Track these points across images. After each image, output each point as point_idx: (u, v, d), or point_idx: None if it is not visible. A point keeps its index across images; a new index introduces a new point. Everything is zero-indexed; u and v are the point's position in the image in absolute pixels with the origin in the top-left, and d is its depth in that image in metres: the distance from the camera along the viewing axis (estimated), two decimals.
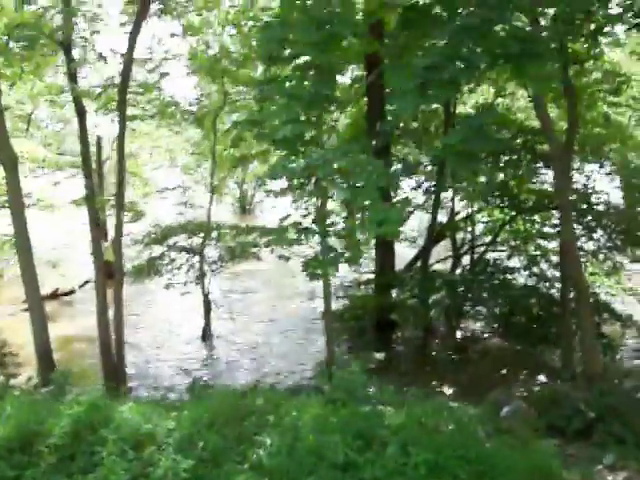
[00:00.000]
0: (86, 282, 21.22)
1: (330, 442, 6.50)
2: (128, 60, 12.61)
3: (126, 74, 12.61)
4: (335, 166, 8.16)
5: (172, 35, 16.78)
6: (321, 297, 19.30)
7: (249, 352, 15.71)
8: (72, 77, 13.33)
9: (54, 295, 19.78)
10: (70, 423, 6.83)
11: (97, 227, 13.54)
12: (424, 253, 16.76)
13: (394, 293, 16.42)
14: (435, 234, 16.84)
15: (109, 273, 22.21)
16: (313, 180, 9.41)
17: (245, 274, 21.26)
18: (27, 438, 6.69)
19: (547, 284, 15.83)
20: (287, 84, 9.36)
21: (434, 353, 15.79)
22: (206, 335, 16.45)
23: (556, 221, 15.57)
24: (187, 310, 17.96)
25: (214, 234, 15.85)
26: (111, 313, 13.15)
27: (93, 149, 25.08)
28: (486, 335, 16.27)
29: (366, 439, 6.62)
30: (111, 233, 20.67)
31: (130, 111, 16.35)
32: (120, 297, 13.27)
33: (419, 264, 17.15)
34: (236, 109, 17.86)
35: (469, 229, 17.38)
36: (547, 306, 15.37)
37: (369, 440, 6.62)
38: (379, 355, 14.44)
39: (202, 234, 15.90)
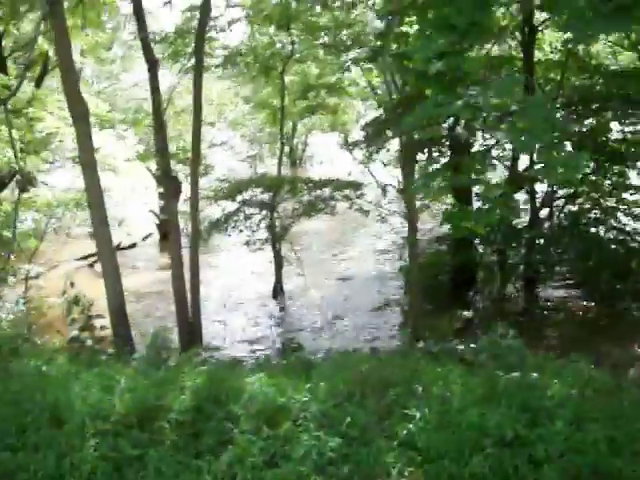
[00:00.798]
0: (148, 235, 20.47)
1: (494, 415, 5.54)
2: (206, 3, 11.52)
3: (204, 19, 11.54)
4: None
5: None
6: (391, 253, 18.59)
7: (322, 310, 14.76)
8: (141, 23, 12.28)
9: (117, 248, 19.00)
10: (192, 397, 5.94)
11: (170, 180, 12.58)
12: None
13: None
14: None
15: (165, 232, 21.85)
16: None
17: (311, 232, 20.28)
18: (146, 413, 5.79)
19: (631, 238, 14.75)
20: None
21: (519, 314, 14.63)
22: (277, 293, 15.53)
23: None
24: (258, 267, 17.06)
25: (286, 188, 14.73)
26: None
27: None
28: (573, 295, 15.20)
29: (532, 412, 5.65)
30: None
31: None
32: (197, 254, 12.37)
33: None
34: (304, 59, 16.66)
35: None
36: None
37: (535, 413, 5.65)
38: (467, 313, 13.37)
39: (273, 189, 14.83)
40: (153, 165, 18.66)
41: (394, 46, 12.27)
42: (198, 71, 11.75)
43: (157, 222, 21.28)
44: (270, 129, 28.90)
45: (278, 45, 16.38)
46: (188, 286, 12.23)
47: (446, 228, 16.53)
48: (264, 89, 23.21)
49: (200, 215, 13.91)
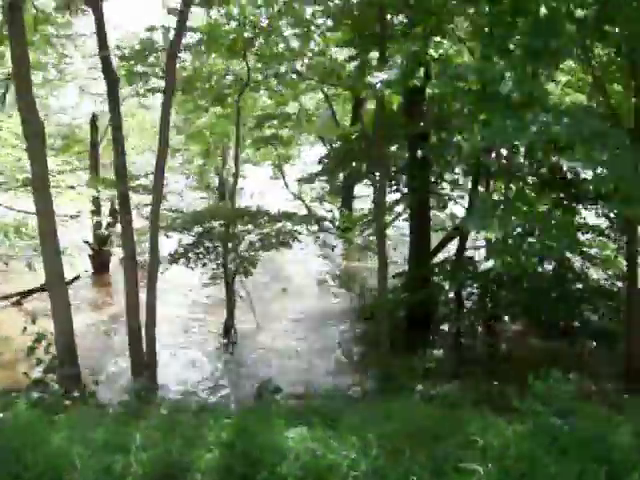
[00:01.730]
0: (75, 277, 18.91)
1: (569, 468, 4.87)
2: (181, 23, 10.67)
3: (178, 38, 10.70)
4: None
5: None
6: (339, 290, 17.83)
7: (273, 353, 13.78)
8: (102, 39, 11.27)
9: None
10: (221, 454, 4.98)
11: (127, 208, 11.49)
12: (461, 241, 15.16)
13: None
14: None
15: (102, 263, 20.37)
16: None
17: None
18: (168, 472, 4.81)
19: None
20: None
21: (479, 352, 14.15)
22: (229, 332, 14.45)
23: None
24: (208, 303, 16.00)
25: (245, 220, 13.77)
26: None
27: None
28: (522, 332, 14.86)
29: (609, 464, 5.01)
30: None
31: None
32: (154, 289, 11.28)
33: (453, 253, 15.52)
34: (259, 86, 15.90)
35: None
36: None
37: (614, 465, 5.02)
38: (436, 352, 12.76)
39: (229, 221, 13.87)
40: (90, 191, 17.22)
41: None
42: (169, 92, 10.81)
43: (90, 253, 19.75)
44: (201, 160, 28.03)
45: (230, 74, 15.57)
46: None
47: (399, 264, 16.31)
48: (199, 119, 22.34)
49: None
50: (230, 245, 13.39)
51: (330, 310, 16.76)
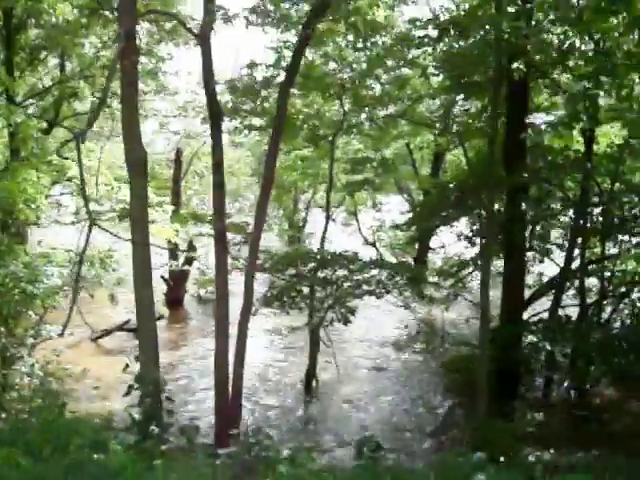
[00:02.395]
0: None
1: None
2: (297, 57, 10.31)
3: (291, 74, 10.30)
4: None
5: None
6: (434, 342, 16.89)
7: (357, 408, 12.96)
8: (207, 72, 10.92)
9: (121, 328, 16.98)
10: None
11: (223, 245, 10.97)
12: (557, 297, 14.22)
13: None
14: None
15: (176, 299, 19.94)
16: None
17: None
18: None
19: None
20: None
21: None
22: (310, 384, 13.70)
23: None
24: (288, 348, 15.37)
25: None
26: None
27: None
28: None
29: None
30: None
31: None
32: (246, 332, 10.66)
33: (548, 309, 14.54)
34: (352, 130, 15.44)
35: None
36: None
37: None
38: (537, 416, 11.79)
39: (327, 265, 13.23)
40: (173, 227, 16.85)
41: None
42: (279, 129, 10.36)
43: (165, 291, 19.37)
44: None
45: (329, 114, 15.14)
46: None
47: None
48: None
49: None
50: (328, 290, 12.69)
51: (412, 361, 15.93)
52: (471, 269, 15.81)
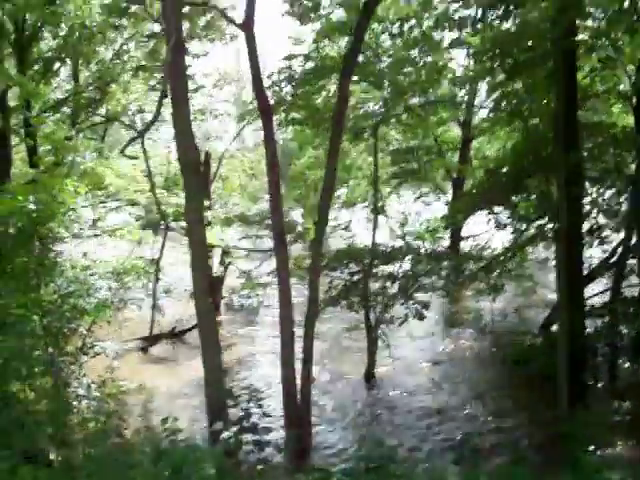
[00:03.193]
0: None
1: None
2: (358, 36, 9.60)
3: (354, 56, 9.61)
4: None
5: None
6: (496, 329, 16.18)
7: (417, 402, 12.27)
8: (255, 63, 10.23)
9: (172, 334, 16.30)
10: None
11: (283, 247, 10.30)
12: (617, 278, 13.47)
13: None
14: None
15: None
16: None
17: None
18: None
19: None
20: None
21: None
22: (370, 378, 13.06)
23: None
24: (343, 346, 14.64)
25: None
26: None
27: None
28: None
29: None
30: None
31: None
32: (312, 333, 10.02)
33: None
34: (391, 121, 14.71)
35: None
36: None
37: None
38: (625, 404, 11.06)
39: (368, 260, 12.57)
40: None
41: None
42: (340, 119, 9.68)
43: None
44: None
45: (369, 105, 14.42)
46: None
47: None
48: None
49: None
50: (396, 286, 12.00)
51: (464, 352, 15.24)
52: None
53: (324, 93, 13.39)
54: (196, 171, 9.60)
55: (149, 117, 18.55)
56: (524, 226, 15.10)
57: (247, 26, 10.19)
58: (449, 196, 22.29)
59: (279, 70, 12.63)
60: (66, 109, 20.64)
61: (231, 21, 10.94)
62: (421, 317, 11.74)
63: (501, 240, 15.56)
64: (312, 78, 12.56)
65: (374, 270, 12.54)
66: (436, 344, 15.76)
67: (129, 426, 9.57)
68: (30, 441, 6.70)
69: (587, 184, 13.24)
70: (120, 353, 13.78)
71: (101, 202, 15.73)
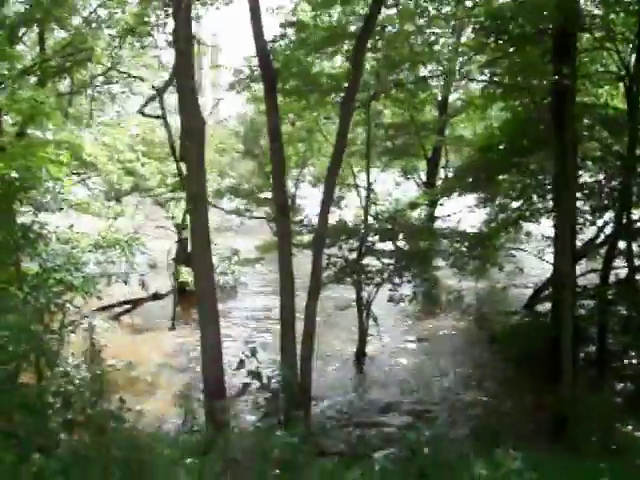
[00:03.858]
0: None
1: None
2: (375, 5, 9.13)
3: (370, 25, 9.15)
4: None
5: None
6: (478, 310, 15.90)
7: (404, 380, 12.05)
8: (258, 27, 9.66)
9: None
10: None
11: (286, 220, 9.87)
12: (608, 259, 13.31)
13: None
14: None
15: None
16: None
17: None
18: None
19: None
20: None
21: None
22: (360, 356, 12.76)
23: None
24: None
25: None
26: None
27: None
28: None
29: None
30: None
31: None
32: (314, 306, 9.61)
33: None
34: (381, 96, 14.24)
35: None
36: None
37: None
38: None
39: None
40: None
41: None
42: (353, 90, 9.21)
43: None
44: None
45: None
46: None
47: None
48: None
49: None
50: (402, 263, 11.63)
51: (453, 332, 15.06)
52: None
53: (320, 62, 12.91)
54: (201, 140, 9.02)
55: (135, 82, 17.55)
56: (512, 204, 14.98)
57: None
58: (421, 175, 21.98)
59: (274, 39, 12.03)
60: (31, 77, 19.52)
61: None
62: (432, 299, 11.43)
63: (472, 222, 15.42)
64: (310, 47, 12.05)
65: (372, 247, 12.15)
66: (420, 324, 15.54)
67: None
68: (41, 425, 6.14)
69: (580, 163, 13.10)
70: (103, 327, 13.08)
71: (77, 173, 14.94)
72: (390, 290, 12.05)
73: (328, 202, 9.63)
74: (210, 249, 9.26)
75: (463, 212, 16.44)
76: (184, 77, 8.94)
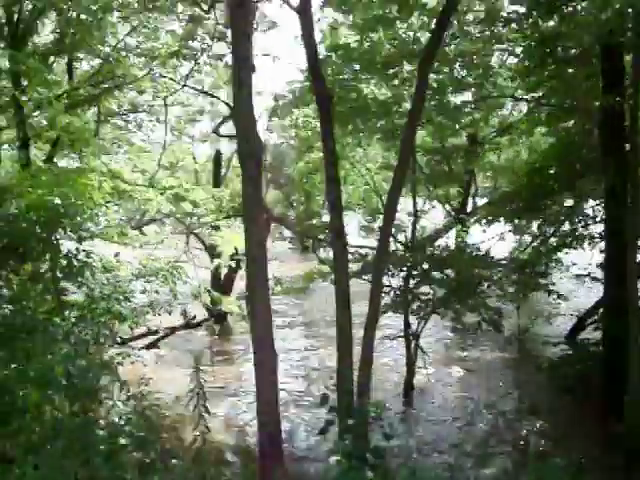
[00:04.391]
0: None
1: None
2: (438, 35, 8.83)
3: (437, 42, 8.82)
4: None
5: None
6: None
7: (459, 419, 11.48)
8: (312, 45, 9.39)
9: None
10: None
11: (343, 244, 9.47)
12: None
13: None
14: None
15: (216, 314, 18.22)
16: None
17: None
18: None
19: None
20: None
21: None
22: (408, 391, 12.26)
23: None
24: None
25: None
26: None
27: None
28: None
29: None
30: None
31: None
32: (373, 331, 9.17)
33: None
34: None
35: None
36: None
37: None
38: None
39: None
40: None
41: None
42: (416, 110, 8.84)
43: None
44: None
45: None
46: None
47: None
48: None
49: None
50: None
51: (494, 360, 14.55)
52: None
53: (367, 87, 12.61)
54: (258, 163, 8.66)
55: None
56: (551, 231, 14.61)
57: (304, 10, 9.39)
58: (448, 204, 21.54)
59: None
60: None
61: (287, 2, 10.06)
62: (497, 327, 10.94)
63: (500, 250, 15.01)
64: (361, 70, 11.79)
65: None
66: (462, 353, 15.06)
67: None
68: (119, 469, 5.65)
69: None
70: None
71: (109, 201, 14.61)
72: (452, 319, 11.59)
73: (388, 229, 9.27)
74: (268, 284, 8.84)
75: (492, 240, 16.02)
76: (242, 91, 8.56)
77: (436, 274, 11.57)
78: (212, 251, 17.26)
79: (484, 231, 15.51)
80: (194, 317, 16.60)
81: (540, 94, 13.22)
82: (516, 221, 14.66)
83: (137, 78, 14.91)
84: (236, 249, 16.96)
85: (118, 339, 10.04)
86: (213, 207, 14.06)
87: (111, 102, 19.05)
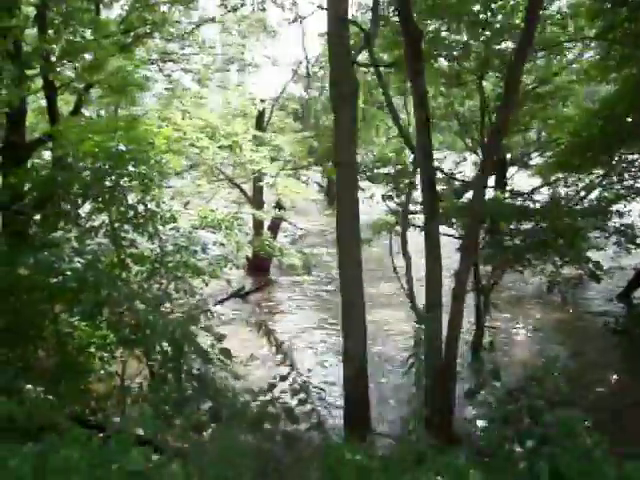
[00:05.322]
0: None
1: None
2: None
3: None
4: None
5: None
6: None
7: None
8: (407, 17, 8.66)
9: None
10: None
11: (434, 197, 8.87)
12: None
13: None
14: None
15: (259, 266, 17.82)
16: None
17: None
18: None
19: None
20: None
21: None
22: (477, 347, 11.76)
23: None
24: None
25: None
26: None
27: None
28: None
29: None
30: None
31: None
32: (464, 292, 8.65)
33: None
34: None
35: None
36: None
37: None
38: None
39: None
40: None
41: None
42: (512, 89, 8.18)
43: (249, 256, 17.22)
44: None
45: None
46: None
47: None
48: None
49: None
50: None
51: (563, 320, 14.04)
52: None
53: None
54: (351, 103, 8.06)
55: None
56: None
57: None
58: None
59: None
60: None
61: None
62: (597, 278, 10.36)
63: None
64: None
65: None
66: (523, 312, 14.56)
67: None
68: None
69: None
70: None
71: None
72: (551, 274, 10.98)
73: (486, 175, 8.66)
74: (359, 235, 8.29)
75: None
76: (338, 40, 7.96)
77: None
78: (258, 201, 16.82)
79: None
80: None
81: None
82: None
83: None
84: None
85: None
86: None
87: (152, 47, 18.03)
